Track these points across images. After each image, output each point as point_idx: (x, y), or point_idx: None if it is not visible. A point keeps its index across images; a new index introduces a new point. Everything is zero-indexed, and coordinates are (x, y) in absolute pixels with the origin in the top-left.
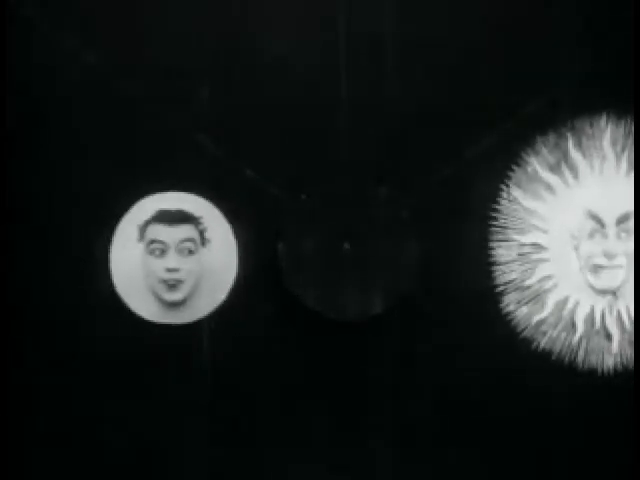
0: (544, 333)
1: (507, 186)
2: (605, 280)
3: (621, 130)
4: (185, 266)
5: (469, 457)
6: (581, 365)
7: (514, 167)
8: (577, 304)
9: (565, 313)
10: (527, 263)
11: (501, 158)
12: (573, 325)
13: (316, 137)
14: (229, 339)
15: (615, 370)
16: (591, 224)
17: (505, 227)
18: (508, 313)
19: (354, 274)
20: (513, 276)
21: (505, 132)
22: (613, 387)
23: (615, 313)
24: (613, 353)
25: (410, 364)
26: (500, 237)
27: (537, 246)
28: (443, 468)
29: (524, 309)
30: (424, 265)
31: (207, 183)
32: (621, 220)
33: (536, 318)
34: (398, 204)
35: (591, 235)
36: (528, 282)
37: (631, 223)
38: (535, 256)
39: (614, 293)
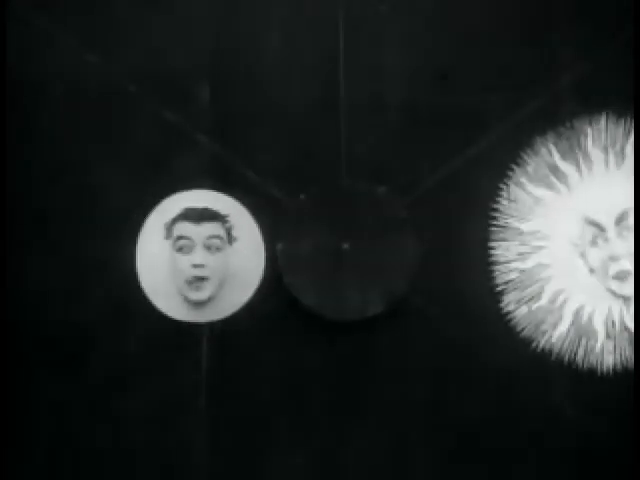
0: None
1: (507, 186)
2: (628, 286)
3: (600, 129)
4: (211, 262)
5: (469, 457)
6: (581, 365)
7: (514, 168)
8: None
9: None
10: (537, 282)
11: (500, 159)
12: (594, 331)
13: (316, 137)
14: (228, 338)
15: (614, 370)
16: (592, 230)
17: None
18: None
19: (353, 274)
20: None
21: (505, 134)
22: (613, 388)
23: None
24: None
25: (409, 364)
26: (500, 236)
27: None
28: (442, 467)
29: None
30: (423, 265)
31: (207, 183)
32: (620, 219)
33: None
34: (397, 204)
35: (593, 242)
36: (542, 300)
37: (630, 220)
38: (543, 274)
39: (628, 298)
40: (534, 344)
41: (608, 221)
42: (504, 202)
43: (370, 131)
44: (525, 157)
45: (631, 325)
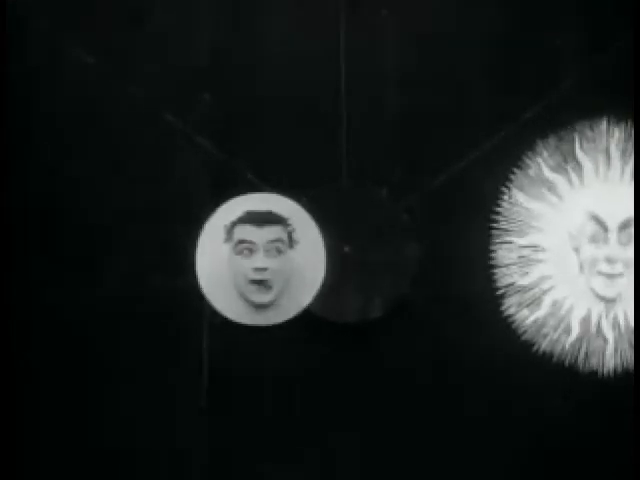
0: (544, 335)
1: (508, 189)
2: (609, 288)
3: (624, 134)
4: (273, 266)
5: (469, 457)
6: (581, 367)
7: (515, 170)
8: (573, 306)
9: (562, 314)
10: (526, 264)
11: (502, 161)
12: (570, 327)
13: (316, 139)
14: (228, 340)
15: (615, 372)
16: (593, 227)
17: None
18: (509, 316)
19: (354, 277)
20: (514, 279)
21: (506, 135)
22: (613, 388)
23: (611, 317)
24: (610, 356)
25: (410, 367)
26: (501, 239)
27: (536, 247)
28: (443, 468)
29: (525, 311)
30: (423, 267)
31: (207, 185)
32: (624, 226)
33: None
34: (399, 207)
35: (592, 238)
36: (526, 283)
37: (632, 229)
38: (534, 257)
39: (613, 299)
40: (535, 346)
41: (612, 223)
42: (506, 205)
43: (371, 133)
44: (548, 144)
45: (606, 330)
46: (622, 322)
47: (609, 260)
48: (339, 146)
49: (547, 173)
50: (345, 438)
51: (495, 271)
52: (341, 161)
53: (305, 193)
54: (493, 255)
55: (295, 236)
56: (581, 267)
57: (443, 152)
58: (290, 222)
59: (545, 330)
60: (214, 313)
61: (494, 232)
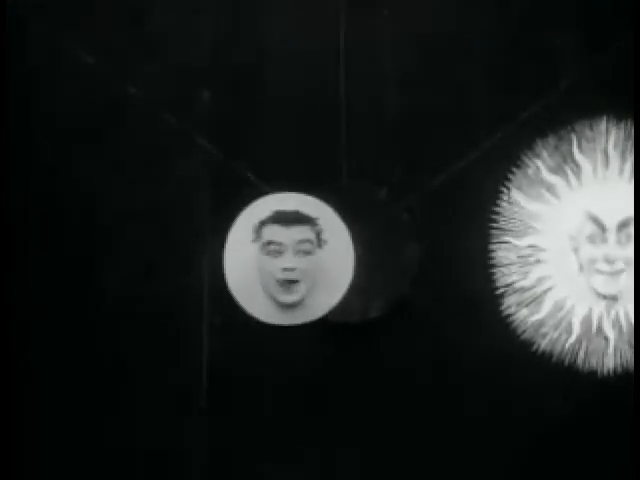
0: (544, 335)
1: (508, 189)
2: (610, 285)
3: (623, 133)
4: (301, 266)
5: (469, 457)
6: (581, 367)
7: (514, 169)
8: (573, 306)
9: (562, 314)
10: (526, 264)
11: (502, 161)
12: (570, 327)
13: (316, 139)
14: (228, 339)
15: (615, 372)
16: (591, 227)
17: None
18: (508, 315)
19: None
20: (513, 278)
21: (505, 135)
22: (613, 388)
23: (613, 316)
24: (611, 355)
25: (410, 367)
26: (500, 239)
27: (535, 248)
28: (443, 468)
29: (524, 311)
30: (424, 267)
31: (207, 185)
32: (622, 225)
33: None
34: (399, 207)
35: (591, 239)
36: (526, 284)
37: (632, 229)
38: (533, 257)
39: (614, 297)
40: (534, 346)
41: (611, 223)
42: (505, 205)
43: (371, 132)
44: (547, 144)
45: (607, 329)
46: (623, 321)
47: (608, 260)
48: (339, 146)
49: (546, 173)
50: (345, 438)
51: (495, 271)
52: (341, 161)
53: (305, 193)
54: (493, 255)
55: (324, 236)
56: (581, 267)
57: (443, 152)
58: (318, 222)
59: (545, 330)
60: (214, 313)
61: (494, 232)
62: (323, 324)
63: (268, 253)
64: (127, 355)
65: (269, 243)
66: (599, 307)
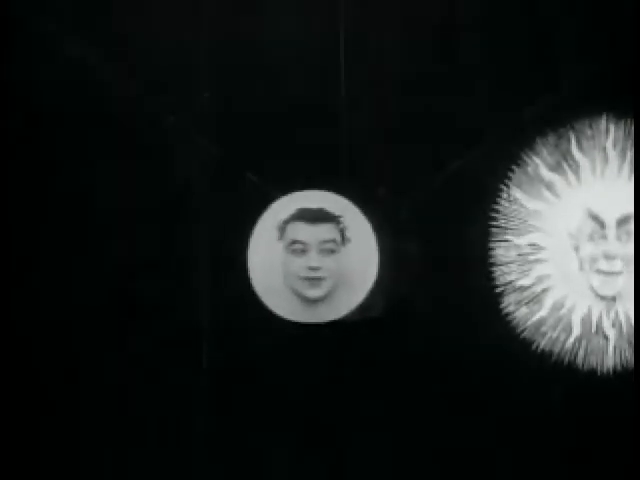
0: (544, 334)
1: (507, 187)
2: (608, 286)
3: (622, 132)
4: (326, 264)
5: (469, 457)
6: (581, 366)
7: (514, 168)
8: (573, 305)
9: (562, 313)
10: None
11: (502, 160)
12: (570, 326)
13: (316, 138)
14: (228, 339)
15: (614, 371)
16: (591, 225)
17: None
18: (508, 314)
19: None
20: (512, 277)
21: (505, 134)
22: (613, 387)
23: (612, 315)
24: (610, 354)
25: (410, 365)
26: (500, 238)
27: (535, 246)
28: (443, 467)
29: (524, 310)
30: (423, 266)
31: (207, 185)
32: (622, 222)
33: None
34: (397, 205)
35: (591, 237)
36: (526, 282)
37: (631, 225)
38: (533, 255)
39: (613, 298)
40: (534, 345)
41: (610, 219)
42: (504, 203)
43: (370, 132)
44: (547, 142)
45: (607, 328)
46: (623, 320)
47: (607, 256)
48: (339, 146)
49: (545, 171)
50: (345, 438)
51: (494, 269)
52: (341, 161)
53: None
54: (492, 253)
55: (348, 234)
56: (581, 265)
57: (443, 151)
58: (342, 220)
59: (544, 328)
60: (214, 312)
61: (494, 230)
62: (322, 324)
63: (293, 252)
64: (127, 355)
65: (293, 242)
66: (599, 306)
